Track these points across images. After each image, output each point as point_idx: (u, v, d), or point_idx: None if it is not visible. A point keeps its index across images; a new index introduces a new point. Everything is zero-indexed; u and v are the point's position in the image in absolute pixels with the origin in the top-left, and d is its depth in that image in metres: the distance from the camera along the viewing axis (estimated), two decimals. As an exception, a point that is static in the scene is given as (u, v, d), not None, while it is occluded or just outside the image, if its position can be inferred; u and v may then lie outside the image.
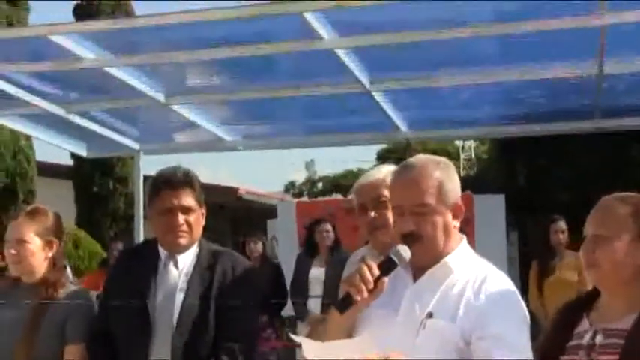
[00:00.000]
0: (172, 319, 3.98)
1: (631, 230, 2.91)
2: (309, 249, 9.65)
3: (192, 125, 9.21)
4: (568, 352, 2.98)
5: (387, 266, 2.91)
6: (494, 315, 2.90)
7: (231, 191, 22.41)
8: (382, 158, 31.32)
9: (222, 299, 4.03)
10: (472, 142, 27.74)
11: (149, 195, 4.20)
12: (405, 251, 2.93)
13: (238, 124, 9.65)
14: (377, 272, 2.86)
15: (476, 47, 7.05)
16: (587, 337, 2.95)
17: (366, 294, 2.83)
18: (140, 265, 4.14)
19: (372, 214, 3.79)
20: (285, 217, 13.89)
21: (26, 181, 18.96)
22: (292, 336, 2.83)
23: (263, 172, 62.09)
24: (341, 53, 6.75)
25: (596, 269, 2.95)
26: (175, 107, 8.47)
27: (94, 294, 4.69)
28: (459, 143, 29.80)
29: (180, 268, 4.10)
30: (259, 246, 9.97)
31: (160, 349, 3.94)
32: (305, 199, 32.40)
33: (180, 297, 4.03)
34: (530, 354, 2.90)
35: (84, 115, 8.72)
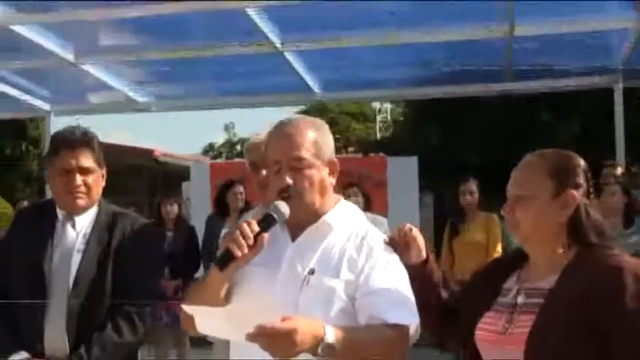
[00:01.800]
0: (68, 281, 3.89)
1: (549, 189, 2.85)
2: (221, 210, 9.60)
3: (104, 86, 9.12)
4: (493, 308, 2.96)
5: (267, 222, 2.89)
6: (378, 270, 2.93)
7: (148, 153, 22.21)
8: (299, 120, 31.30)
9: (120, 260, 3.96)
10: (389, 104, 27.88)
11: (48, 155, 4.09)
12: (283, 207, 2.93)
13: (151, 85, 9.58)
14: (257, 228, 2.84)
15: (387, 8, 7.07)
16: (510, 296, 2.92)
17: (246, 250, 2.80)
18: (37, 226, 4.05)
19: (264, 172, 3.80)
20: (199, 178, 13.76)
21: None
22: (184, 307, 2.78)
23: (183, 134, 61.51)
24: (252, 13, 6.74)
25: (518, 229, 2.89)
26: (86, 67, 8.36)
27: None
28: (376, 105, 29.94)
29: (78, 230, 4.00)
30: (175, 208, 9.87)
31: (56, 312, 3.86)
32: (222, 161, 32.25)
33: (77, 258, 3.93)
34: (414, 307, 2.91)
35: (-9, 74, 8.57)
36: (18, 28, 7.16)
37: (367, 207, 9.13)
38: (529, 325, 2.73)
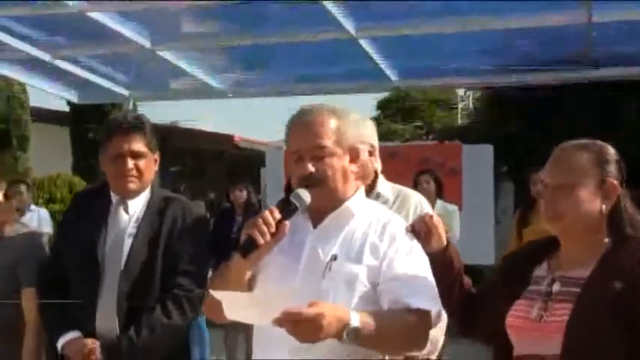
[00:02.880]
0: (120, 263, 4.00)
1: (594, 177, 2.86)
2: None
3: (181, 72, 9.19)
4: (524, 296, 2.96)
5: (288, 210, 2.90)
6: (400, 256, 2.96)
7: (228, 139, 22.40)
8: (382, 108, 31.23)
9: (170, 245, 4.04)
10: (471, 92, 27.61)
11: (102, 140, 4.19)
12: (304, 195, 2.94)
13: (227, 71, 9.63)
14: (278, 216, 2.86)
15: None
16: (544, 284, 2.93)
17: (268, 237, 2.82)
18: (91, 210, 4.15)
19: None
20: (274, 165, 13.77)
21: (20, 127, 18.93)
22: (212, 292, 2.78)
23: (264, 120, 61.90)
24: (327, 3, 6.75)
25: (560, 220, 2.88)
26: (163, 54, 8.43)
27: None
28: (460, 92, 29.67)
29: (130, 214, 4.10)
30: (244, 194, 10.00)
31: (108, 294, 3.96)
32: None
33: (129, 242, 4.04)
34: (436, 294, 2.95)
35: (71, 61, 8.70)
36: (96, 15, 7.26)
37: (439, 194, 9.08)
38: (565, 313, 2.77)
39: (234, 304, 2.75)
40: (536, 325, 2.86)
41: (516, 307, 2.95)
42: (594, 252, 2.83)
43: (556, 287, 2.88)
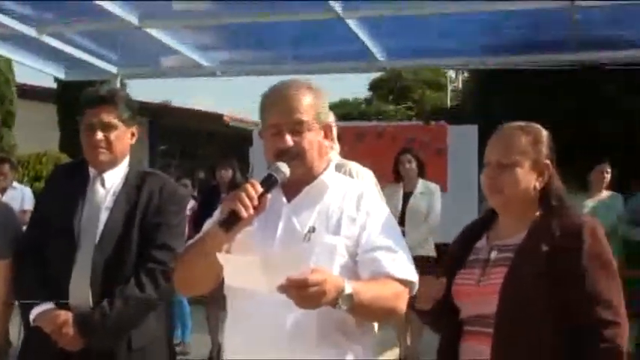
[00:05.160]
0: (95, 236, 4.01)
1: (530, 157, 3.17)
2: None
3: (170, 50, 9.21)
4: (466, 266, 3.24)
5: (269, 183, 2.92)
6: (378, 228, 3.04)
7: (218, 118, 22.40)
8: (374, 88, 31.28)
9: (146, 219, 4.06)
10: (461, 73, 27.66)
11: (79, 115, 4.21)
12: (284, 168, 2.96)
13: (215, 49, 9.67)
14: (260, 189, 2.86)
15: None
16: (483, 253, 3.22)
17: (252, 211, 2.83)
18: (69, 183, 4.17)
19: None
20: (261, 144, 13.72)
21: (5, 104, 18.89)
22: (218, 255, 2.81)
23: (256, 99, 61.81)
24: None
25: (500, 195, 3.18)
26: (150, 31, 8.45)
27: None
28: (451, 73, 29.72)
29: (107, 187, 4.12)
30: (229, 172, 10.03)
31: (82, 266, 3.96)
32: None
33: (105, 215, 4.05)
34: (412, 263, 3.04)
35: (59, 37, 8.71)
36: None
37: (421, 173, 9.13)
38: (501, 276, 3.06)
39: (238, 269, 2.78)
40: (476, 289, 3.15)
41: (459, 275, 3.23)
42: (527, 222, 3.14)
43: (493, 254, 3.19)
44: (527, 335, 2.99)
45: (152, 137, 20.71)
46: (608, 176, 9.22)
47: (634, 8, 7.46)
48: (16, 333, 4.90)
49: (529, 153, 3.17)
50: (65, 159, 17.99)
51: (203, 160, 21.83)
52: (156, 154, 21.26)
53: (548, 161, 3.21)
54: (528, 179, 3.17)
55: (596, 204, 9.05)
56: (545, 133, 3.27)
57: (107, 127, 4.07)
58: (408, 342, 9.27)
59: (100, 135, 4.04)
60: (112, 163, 4.11)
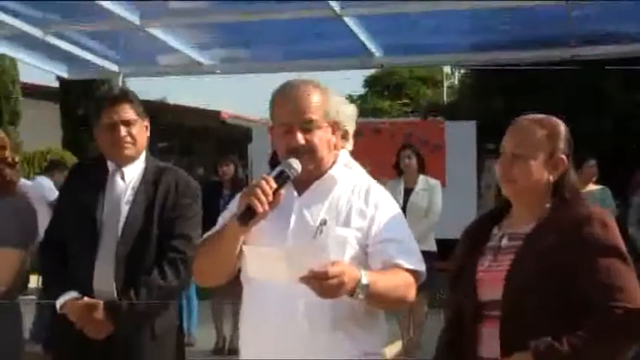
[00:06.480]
0: (117, 229, 4.21)
1: (545, 150, 3.24)
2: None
3: (170, 49, 9.29)
4: (484, 252, 3.32)
5: (282, 179, 3.07)
6: (387, 220, 3.21)
7: (215, 115, 22.46)
8: (369, 85, 31.32)
9: (165, 212, 4.26)
10: (457, 69, 27.67)
11: (93, 115, 4.39)
12: (296, 164, 3.12)
13: (215, 48, 9.76)
14: (274, 185, 3.01)
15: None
16: (495, 240, 3.32)
17: (267, 206, 2.98)
18: (89, 178, 4.37)
19: None
20: (260, 141, 13.86)
21: (10, 103, 19.02)
22: (244, 247, 2.98)
23: (253, 97, 61.69)
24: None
25: (513, 184, 3.27)
26: (151, 30, 8.55)
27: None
28: (447, 70, 29.72)
29: (127, 182, 4.32)
30: (231, 168, 10.15)
31: (105, 258, 4.16)
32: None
33: (125, 209, 4.25)
34: (419, 254, 3.24)
35: (62, 37, 8.81)
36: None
37: (421, 169, 9.25)
38: (509, 264, 3.17)
39: (261, 261, 2.93)
40: (486, 274, 3.24)
41: (480, 260, 3.31)
42: (539, 212, 3.23)
43: (504, 242, 3.28)
44: (533, 322, 3.04)
45: (151, 134, 20.67)
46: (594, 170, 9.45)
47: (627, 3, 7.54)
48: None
49: (544, 146, 3.25)
50: (69, 156, 18.13)
51: (201, 157, 21.90)
52: (155, 152, 21.29)
53: (563, 156, 3.27)
54: (541, 171, 3.24)
55: (588, 198, 9.14)
56: (562, 127, 3.33)
57: (128, 123, 4.28)
58: (411, 334, 9.38)
59: (123, 131, 4.24)
60: (136, 157, 4.28)
